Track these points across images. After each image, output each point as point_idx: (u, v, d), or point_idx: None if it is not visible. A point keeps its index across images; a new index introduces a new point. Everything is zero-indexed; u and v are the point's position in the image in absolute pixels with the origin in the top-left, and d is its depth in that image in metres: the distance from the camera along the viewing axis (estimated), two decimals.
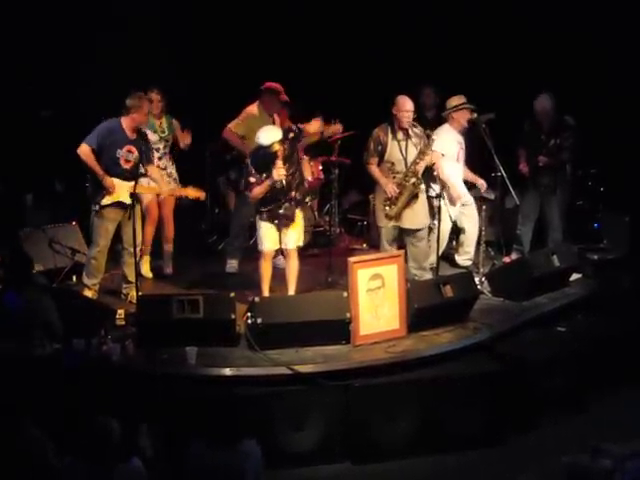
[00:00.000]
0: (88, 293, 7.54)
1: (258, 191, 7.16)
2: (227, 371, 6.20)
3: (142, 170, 7.47)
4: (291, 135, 7.30)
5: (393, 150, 7.78)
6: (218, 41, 10.29)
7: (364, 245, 9.78)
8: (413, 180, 7.72)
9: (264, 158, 7.12)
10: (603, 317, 7.77)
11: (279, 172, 7.05)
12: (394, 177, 7.76)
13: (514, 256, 8.90)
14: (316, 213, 9.69)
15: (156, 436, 5.21)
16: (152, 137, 8.16)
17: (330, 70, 10.34)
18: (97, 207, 7.38)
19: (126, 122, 7.38)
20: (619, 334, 7.46)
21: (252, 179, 7.19)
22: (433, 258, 8.00)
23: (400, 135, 7.77)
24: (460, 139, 8.52)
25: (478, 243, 8.44)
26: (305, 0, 10.39)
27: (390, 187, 7.73)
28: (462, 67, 9.82)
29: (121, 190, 7.32)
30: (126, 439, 4.67)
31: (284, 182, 7.12)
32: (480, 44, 10.07)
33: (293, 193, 7.27)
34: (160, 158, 8.36)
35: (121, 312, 7.03)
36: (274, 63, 9.71)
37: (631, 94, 9.39)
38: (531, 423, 6.59)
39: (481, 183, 8.62)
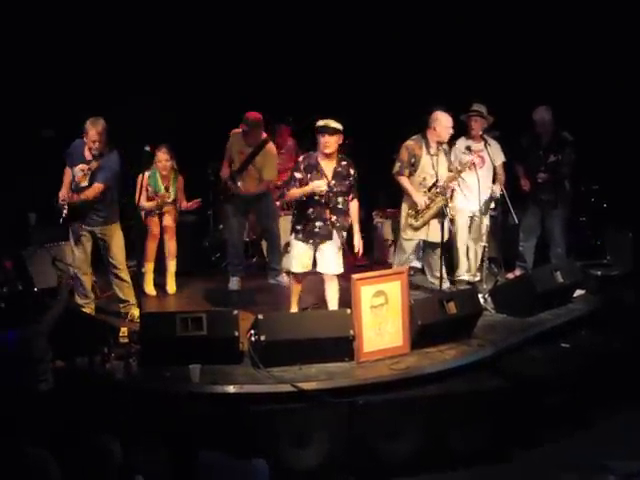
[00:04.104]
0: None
1: (294, 192, 7.12)
2: (231, 388, 6.17)
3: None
4: (348, 167, 7.21)
5: (426, 164, 7.88)
6: (218, 59, 10.32)
7: (367, 262, 9.77)
8: (443, 197, 7.85)
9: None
10: (607, 333, 7.74)
11: (319, 184, 6.99)
12: (425, 192, 7.87)
13: (517, 272, 8.91)
14: None
15: (162, 453, 5.20)
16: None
17: (328, 83, 10.37)
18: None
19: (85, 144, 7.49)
20: (623, 350, 7.44)
21: (298, 175, 7.13)
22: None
23: (433, 150, 7.86)
24: (472, 147, 8.39)
25: (481, 260, 8.45)
26: (303, 15, 10.44)
27: (421, 199, 7.85)
28: (455, 85, 9.82)
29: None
30: (128, 458, 4.65)
31: (322, 196, 7.05)
32: (478, 61, 10.12)
33: (328, 214, 7.12)
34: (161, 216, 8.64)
35: (124, 330, 7.02)
36: (271, 78, 9.74)
37: (633, 110, 9.41)
38: (535, 440, 6.57)
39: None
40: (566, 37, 9.75)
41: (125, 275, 7.76)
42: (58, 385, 5.81)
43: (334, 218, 7.14)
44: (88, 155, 7.47)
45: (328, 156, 7.08)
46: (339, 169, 7.15)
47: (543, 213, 8.86)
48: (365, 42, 10.53)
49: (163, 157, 8.49)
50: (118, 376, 6.30)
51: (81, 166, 7.46)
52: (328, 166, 7.12)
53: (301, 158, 7.25)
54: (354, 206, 7.29)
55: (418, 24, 10.46)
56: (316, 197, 7.05)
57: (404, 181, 7.97)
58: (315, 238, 7.18)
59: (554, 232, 8.84)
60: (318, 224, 7.13)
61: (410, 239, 8.06)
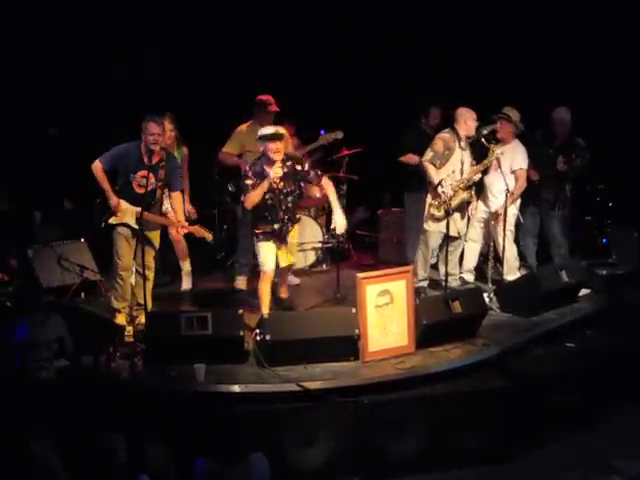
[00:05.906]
0: (121, 318, 7.30)
1: (253, 195, 7.08)
2: (236, 388, 6.18)
3: (159, 196, 7.27)
4: (294, 165, 7.27)
5: (456, 158, 8.00)
6: (225, 54, 10.34)
7: (373, 261, 9.79)
8: (468, 192, 8.02)
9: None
10: (612, 332, 7.73)
11: (275, 170, 7.05)
12: (451, 183, 7.94)
13: (522, 272, 8.89)
14: (324, 229, 9.69)
15: (167, 451, 5.20)
16: None
17: (336, 88, 10.39)
18: (102, 225, 7.16)
19: (142, 146, 7.08)
20: (628, 349, 7.43)
21: (249, 181, 7.12)
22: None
23: (464, 144, 8.04)
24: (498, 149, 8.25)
25: (487, 259, 8.45)
26: (310, 16, 10.46)
27: (445, 190, 7.90)
28: (465, 84, 9.82)
29: (128, 213, 7.11)
30: (133, 457, 4.65)
31: (273, 199, 7.16)
32: (487, 61, 10.12)
33: (282, 215, 7.26)
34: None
35: (130, 329, 7.04)
36: (278, 77, 9.75)
37: (639, 109, 9.41)
38: (540, 439, 6.56)
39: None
40: (574, 36, 9.75)
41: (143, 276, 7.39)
42: (63, 383, 5.85)
43: (286, 218, 7.31)
44: (149, 160, 7.01)
45: (273, 162, 7.14)
46: (285, 170, 7.19)
47: (541, 213, 8.83)
48: (367, 44, 10.56)
49: (167, 127, 8.04)
50: (123, 375, 6.30)
51: (142, 172, 7.03)
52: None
53: (248, 166, 7.29)
54: (327, 185, 7.35)
55: (426, 24, 10.48)
56: (269, 201, 7.15)
57: (431, 170, 7.98)
58: (275, 239, 7.32)
59: (554, 233, 8.79)
60: (276, 227, 7.26)
61: (433, 231, 8.08)
